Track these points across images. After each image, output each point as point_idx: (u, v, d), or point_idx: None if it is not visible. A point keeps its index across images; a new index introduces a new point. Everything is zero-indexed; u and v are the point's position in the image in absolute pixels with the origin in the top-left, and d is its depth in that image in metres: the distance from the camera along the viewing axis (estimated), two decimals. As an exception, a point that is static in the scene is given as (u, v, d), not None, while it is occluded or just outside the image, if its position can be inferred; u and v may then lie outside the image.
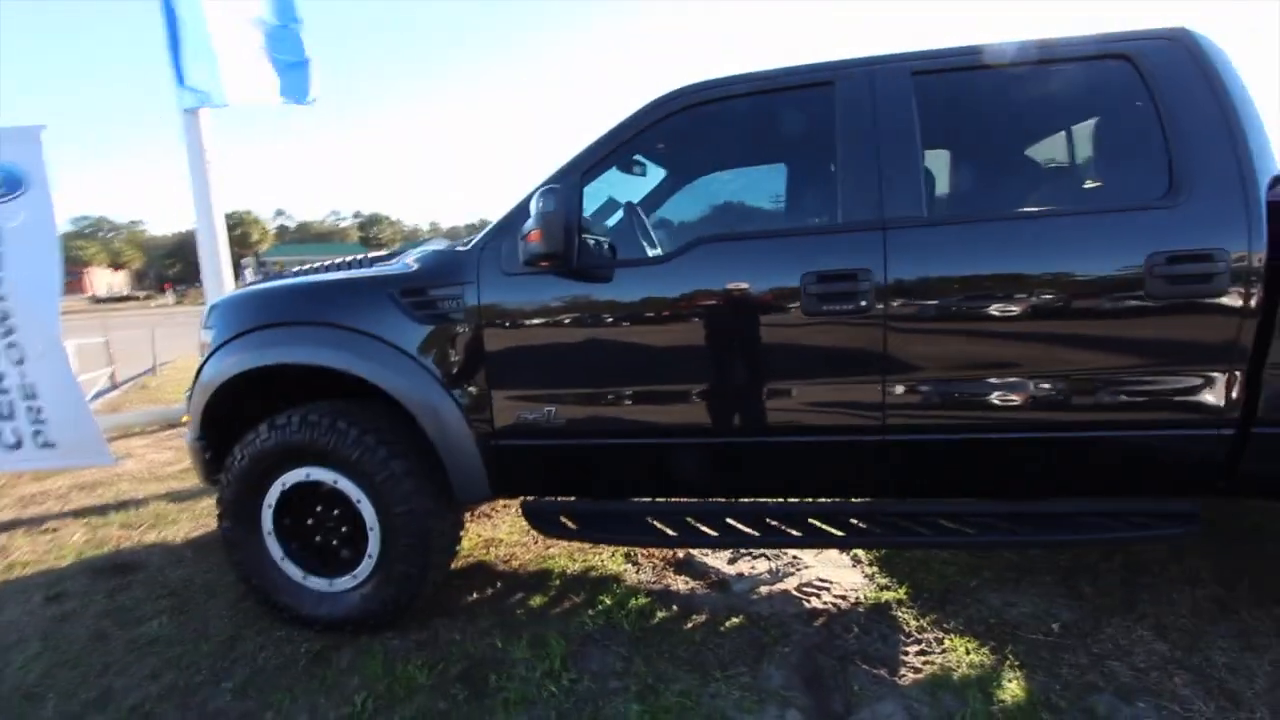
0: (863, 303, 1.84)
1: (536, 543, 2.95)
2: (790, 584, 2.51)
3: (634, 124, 2.05)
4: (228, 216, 5.14)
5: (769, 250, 1.95)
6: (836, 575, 2.55)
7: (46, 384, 3.43)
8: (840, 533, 1.98)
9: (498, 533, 3.05)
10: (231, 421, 2.34)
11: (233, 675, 2.02)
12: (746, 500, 2.14)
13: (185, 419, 2.38)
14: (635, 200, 2.51)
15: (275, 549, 2.23)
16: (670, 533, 2.05)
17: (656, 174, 2.63)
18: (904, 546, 2.42)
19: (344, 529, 2.20)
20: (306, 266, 2.58)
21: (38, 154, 3.22)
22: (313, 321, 2.13)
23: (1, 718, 1.88)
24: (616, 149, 2.07)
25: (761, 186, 2.36)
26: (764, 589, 2.48)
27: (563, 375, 2.05)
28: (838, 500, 2.06)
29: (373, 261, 2.45)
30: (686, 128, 2.09)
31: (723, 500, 2.15)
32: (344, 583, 2.20)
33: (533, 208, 1.84)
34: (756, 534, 1.98)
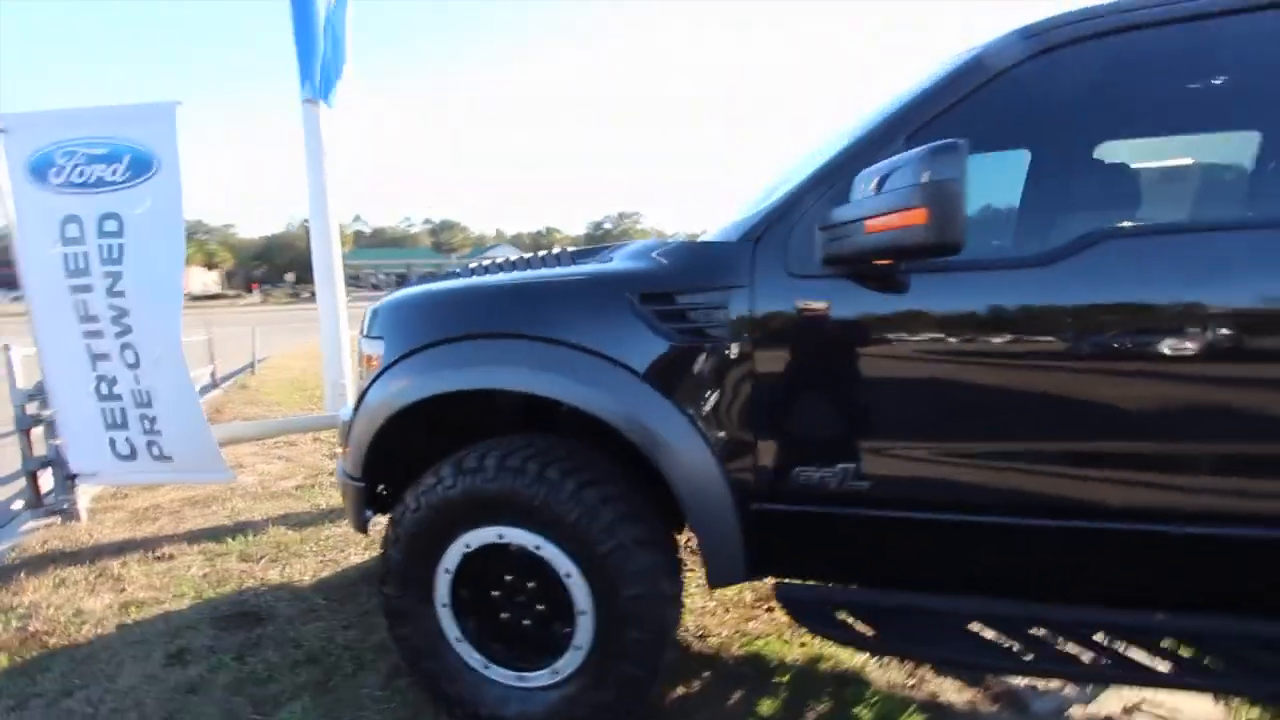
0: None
1: (728, 611, 2.37)
2: (1113, 708, 1.82)
3: (983, 65, 1.44)
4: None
5: (1215, 250, 1.29)
6: (1170, 696, 1.84)
7: (162, 392, 3.10)
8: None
9: (676, 594, 2.48)
10: (389, 454, 1.86)
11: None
12: (1123, 609, 1.47)
13: (341, 451, 1.91)
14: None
15: (451, 626, 1.72)
16: (1021, 652, 1.41)
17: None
18: None
19: (540, 607, 1.67)
20: (489, 263, 2.08)
21: (171, 133, 2.87)
22: (522, 334, 1.60)
23: None
24: (957, 103, 1.45)
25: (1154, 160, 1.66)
26: (1077, 713, 1.81)
27: (872, 421, 1.45)
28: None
29: (572, 258, 1.93)
30: (1057, 72, 1.45)
31: (1086, 605, 1.49)
32: (539, 678, 1.67)
33: (902, 177, 1.19)
34: (1195, 679, 1.30)
